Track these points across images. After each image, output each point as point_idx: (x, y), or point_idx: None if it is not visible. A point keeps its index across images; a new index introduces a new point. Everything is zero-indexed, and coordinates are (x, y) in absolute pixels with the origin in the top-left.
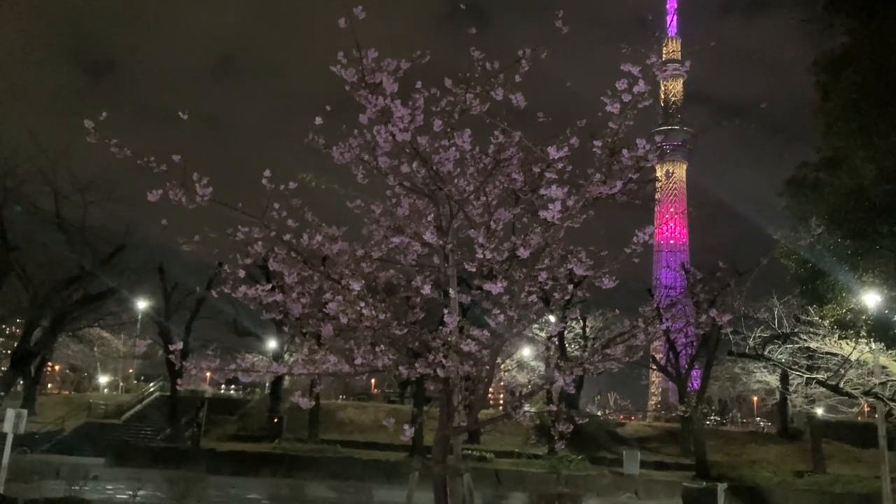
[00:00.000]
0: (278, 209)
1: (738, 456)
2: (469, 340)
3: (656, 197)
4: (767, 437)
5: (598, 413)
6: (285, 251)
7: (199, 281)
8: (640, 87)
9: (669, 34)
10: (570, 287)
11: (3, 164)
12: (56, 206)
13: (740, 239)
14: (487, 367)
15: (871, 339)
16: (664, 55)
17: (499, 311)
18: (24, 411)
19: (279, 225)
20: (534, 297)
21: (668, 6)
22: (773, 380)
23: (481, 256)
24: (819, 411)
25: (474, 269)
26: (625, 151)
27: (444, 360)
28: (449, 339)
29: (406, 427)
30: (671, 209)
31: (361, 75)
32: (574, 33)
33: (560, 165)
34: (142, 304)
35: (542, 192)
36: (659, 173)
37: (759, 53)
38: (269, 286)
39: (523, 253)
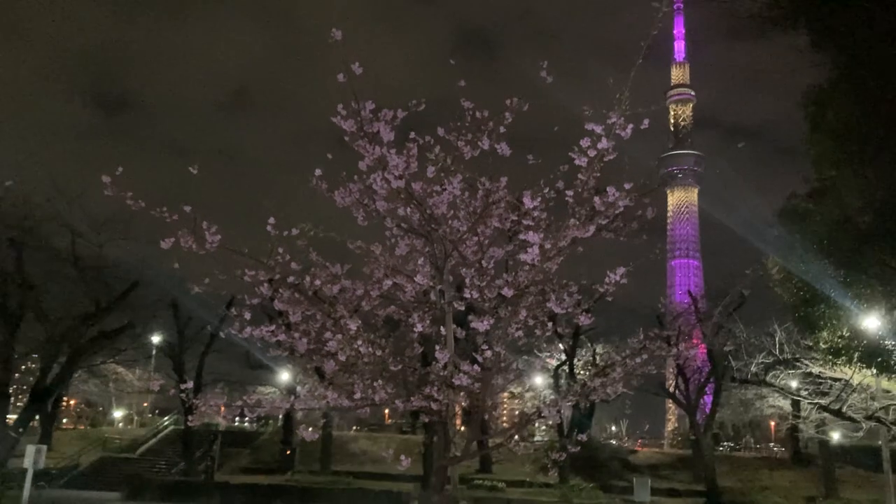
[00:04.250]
0: (282, 252)
1: (750, 482)
2: (461, 375)
3: (667, 224)
4: (780, 462)
5: (613, 441)
6: (290, 292)
7: (212, 314)
8: (603, 143)
9: (677, 59)
10: (550, 324)
11: (22, 205)
12: (72, 245)
13: (755, 260)
14: (480, 400)
15: (864, 366)
16: (672, 80)
17: (486, 347)
18: (44, 447)
19: (283, 267)
20: (520, 334)
21: (675, 32)
22: (787, 405)
23: (469, 297)
24: (835, 436)
25: (463, 309)
26: (597, 199)
27: (435, 394)
28: (442, 373)
29: (403, 458)
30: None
31: (360, 126)
32: (580, 58)
33: (536, 213)
34: (155, 339)
35: (521, 237)
36: (670, 199)
37: (769, 76)
38: (273, 327)
39: (507, 292)
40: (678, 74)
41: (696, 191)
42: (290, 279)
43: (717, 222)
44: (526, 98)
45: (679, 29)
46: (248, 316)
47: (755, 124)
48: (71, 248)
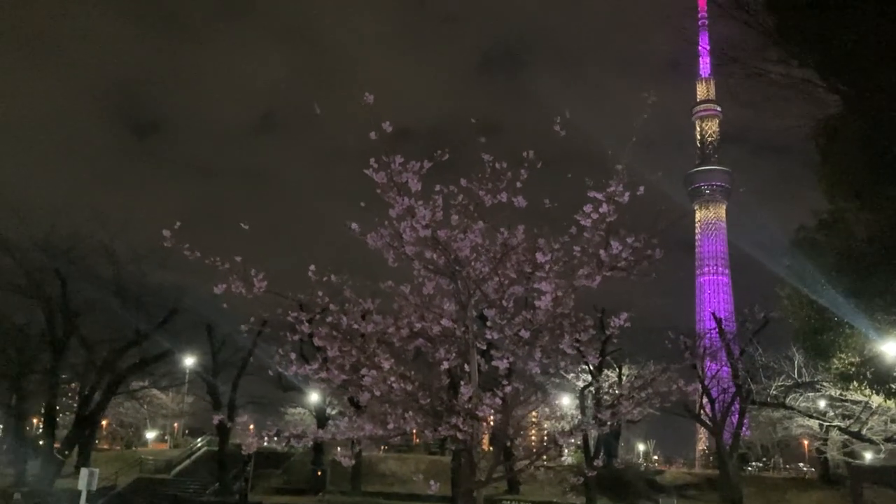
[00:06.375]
0: (322, 295)
1: (778, 502)
2: (484, 406)
3: (695, 241)
4: (809, 483)
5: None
6: (328, 330)
7: (245, 339)
8: (604, 209)
9: (703, 75)
10: (563, 364)
11: (69, 238)
12: (115, 275)
13: (781, 280)
14: (502, 430)
15: (873, 391)
16: (698, 96)
17: (507, 383)
18: (97, 470)
19: (322, 308)
20: (537, 370)
21: (700, 48)
22: (815, 424)
23: (490, 337)
24: (867, 456)
25: (484, 348)
26: (602, 252)
27: (461, 424)
28: (466, 405)
29: (433, 482)
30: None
31: (390, 177)
32: (599, 76)
33: (547, 267)
34: (189, 361)
35: (536, 285)
36: (697, 216)
37: (798, 91)
38: (316, 365)
39: (525, 334)
40: (703, 90)
41: (723, 207)
42: (329, 319)
43: (747, 237)
44: (546, 116)
45: (704, 45)
46: (293, 356)
47: (783, 139)
48: (113, 278)
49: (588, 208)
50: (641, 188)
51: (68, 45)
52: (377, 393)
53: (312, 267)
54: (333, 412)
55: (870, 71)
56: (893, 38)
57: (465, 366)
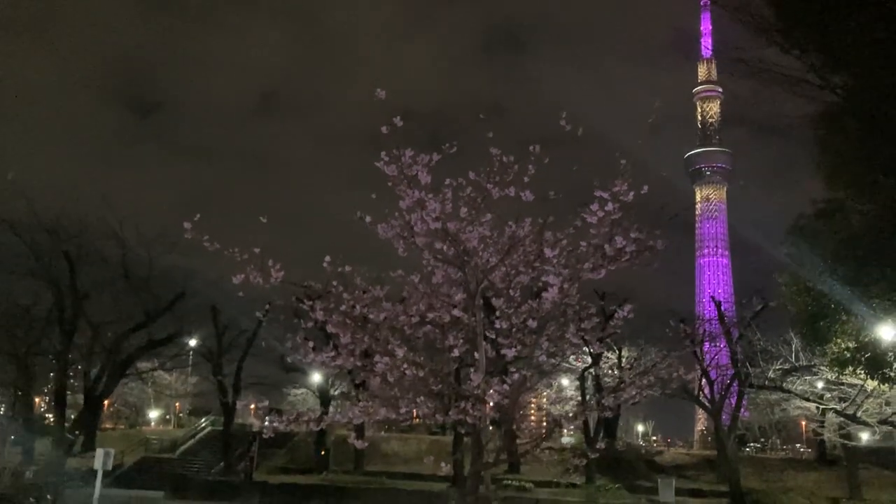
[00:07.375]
0: (336, 285)
1: (775, 483)
2: (492, 392)
3: (695, 222)
4: (805, 463)
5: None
6: (341, 317)
7: (250, 320)
8: (609, 207)
9: (704, 56)
10: (568, 351)
11: (79, 222)
12: (123, 259)
13: (781, 263)
14: (509, 414)
15: (869, 375)
16: (699, 77)
17: (514, 370)
18: (112, 450)
19: (336, 297)
20: (544, 358)
21: (702, 28)
22: (812, 406)
23: (499, 326)
24: (864, 437)
25: (494, 337)
26: (607, 247)
27: (470, 409)
28: (476, 391)
29: (444, 465)
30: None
31: (401, 170)
32: (604, 60)
33: (555, 261)
34: (194, 343)
35: (543, 278)
36: (698, 197)
37: (797, 89)
38: (333, 352)
39: (532, 324)
40: (705, 71)
41: (724, 188)
42: (343, 308)
43: (747, 220)
44: (546, 98)
45: (706, 25)
46: (311, 344)
47: (785, 122)
48: (122, 261)
49: (594, 206)
50: (646, 187)
51: (69, 26)
52: (390, 379)
53: (328, 258)
54: (336, 393)
55: (868, 66)
56: (892, 33)
57: (476, 353)
